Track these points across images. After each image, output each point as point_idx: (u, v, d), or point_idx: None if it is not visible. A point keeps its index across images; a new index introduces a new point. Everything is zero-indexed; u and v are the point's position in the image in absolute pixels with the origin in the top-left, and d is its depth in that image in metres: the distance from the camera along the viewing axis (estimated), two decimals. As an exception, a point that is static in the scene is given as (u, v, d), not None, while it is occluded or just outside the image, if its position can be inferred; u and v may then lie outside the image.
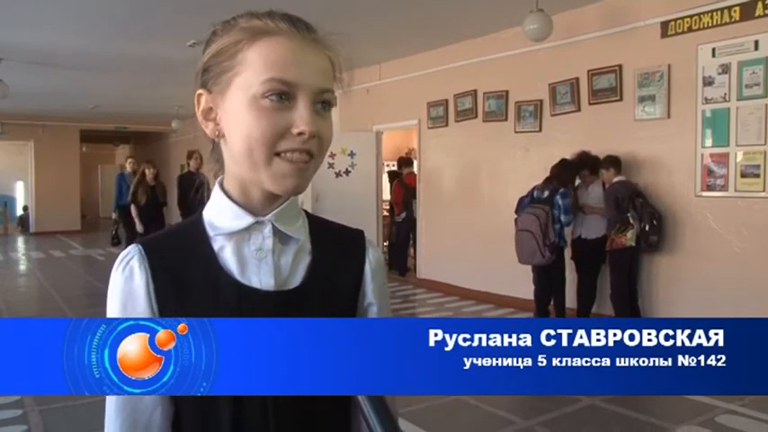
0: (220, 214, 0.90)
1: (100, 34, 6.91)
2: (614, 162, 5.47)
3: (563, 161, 5.60)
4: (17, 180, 17.05)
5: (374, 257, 0.99)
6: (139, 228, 8.07)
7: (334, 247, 0.96)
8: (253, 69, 0.83)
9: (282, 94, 0.82)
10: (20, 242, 14.79)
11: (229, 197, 0.90)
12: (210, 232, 0.90)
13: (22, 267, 10.94)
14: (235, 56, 0.84)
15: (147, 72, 8.91)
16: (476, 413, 3.85)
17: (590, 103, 6.00)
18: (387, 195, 9.71)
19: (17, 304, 7.49)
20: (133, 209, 8.19)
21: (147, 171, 8.26)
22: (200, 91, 0.88)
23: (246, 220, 0.89)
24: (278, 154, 0.83)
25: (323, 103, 0.86)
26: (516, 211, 5.88)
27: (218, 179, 0.93)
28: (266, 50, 0.83)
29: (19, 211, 17.07)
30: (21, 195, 17.30)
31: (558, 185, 5.45)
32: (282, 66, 0.83)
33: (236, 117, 0.84)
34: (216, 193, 0.92)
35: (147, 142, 18.99)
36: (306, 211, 0.97)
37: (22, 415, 3.88)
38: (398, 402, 0.97)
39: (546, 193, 5.49)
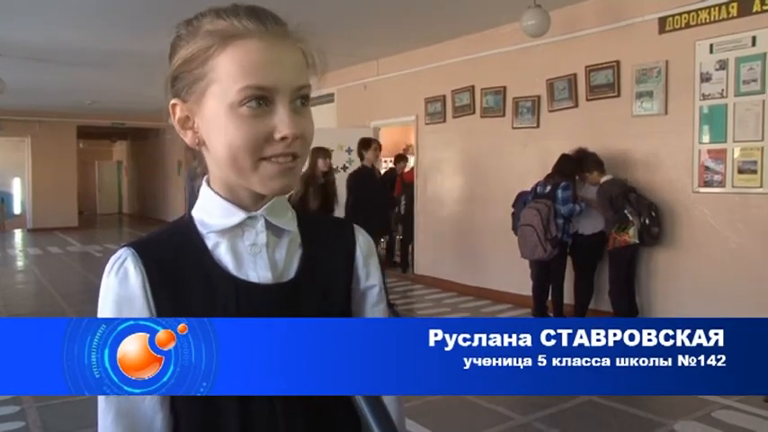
0: (211, 212, 0.89)
1: (97, 30, 6.88)
2: (598, 163, 5.47)
3: (564, 156, 5.59)
4: (14, 176, 17.01)
5: (364, 241, 0.99)
6: None
7: (324, 236, 0.96)
8: (227, 77, 0.81)
9: (260, 100, 0.80)
10: (17, 238, 14.76)
11: (218, 195, 0.89)
12: (202, 230, 0.89)
13: (20, 264, 10.92)
14: (206, 63, 0.82)
15: (144, 68, 8.84)
16: (474, 409, 3.86)
17: (588, 99, 6.00)
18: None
19: (15, 300, 7.47)
20: None
21: (319, 163, 6.03)
22: (173, 101, 0.86)
23: (238, 215, 0.88)
24: (263, 158, 0.82)
25: (301, 99, 0.84)
26: (513, 205, 5.88)
27: (205, 178, 0.92)
28: (239, 56, 0.81)
29: (17, 210, 17.03)
30: (18, 192, 17.26)
31: (560, 180, 5.45)
32: (257, 71, 0.80)
33: (215, 125, 0.83)
34: (204, 191, 0.91)
35: (144, 138, 18.94)
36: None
37: (20, 411, 3.88)
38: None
39: (548, 188, 5.50)
